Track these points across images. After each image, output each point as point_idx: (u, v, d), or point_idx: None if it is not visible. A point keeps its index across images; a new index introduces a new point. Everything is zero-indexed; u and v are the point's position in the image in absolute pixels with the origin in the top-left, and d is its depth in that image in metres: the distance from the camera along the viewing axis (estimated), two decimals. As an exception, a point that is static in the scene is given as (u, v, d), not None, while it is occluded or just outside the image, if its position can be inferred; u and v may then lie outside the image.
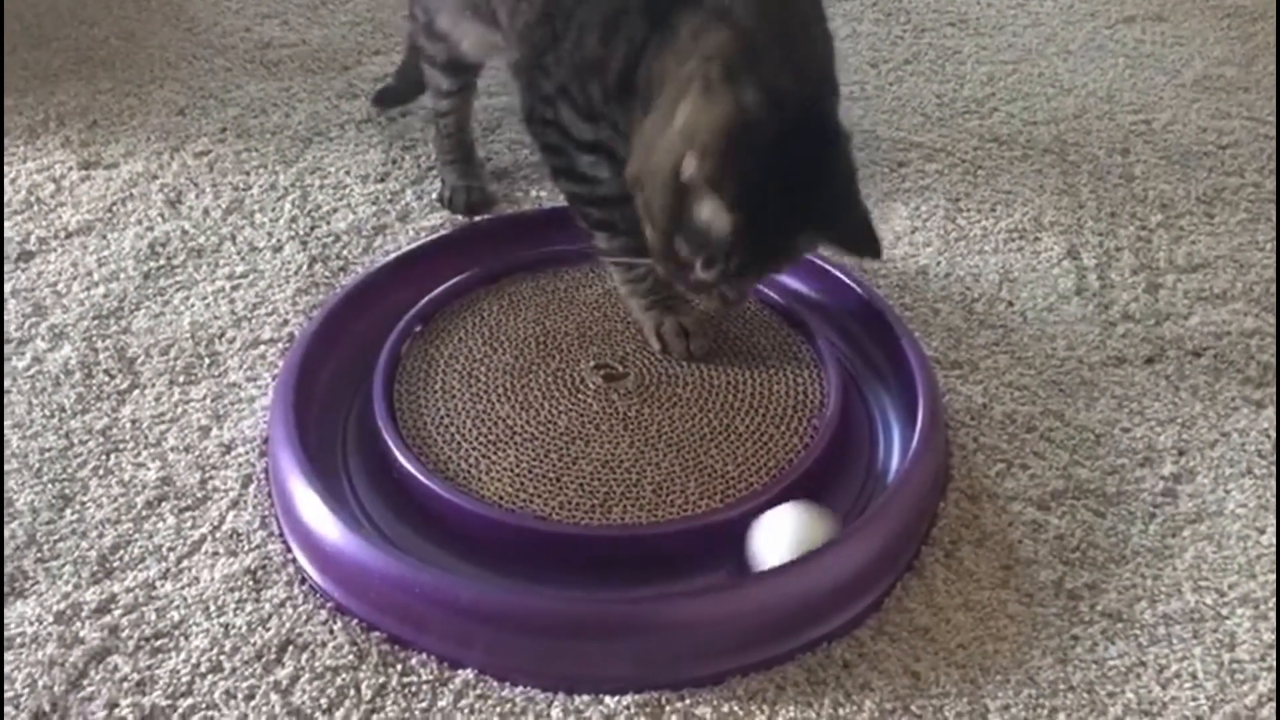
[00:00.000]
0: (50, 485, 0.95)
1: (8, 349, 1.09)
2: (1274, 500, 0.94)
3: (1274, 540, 0.91)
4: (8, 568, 0.88)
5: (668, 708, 0.78)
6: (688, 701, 0.79)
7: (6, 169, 1.35)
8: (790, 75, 0.85)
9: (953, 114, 1.48)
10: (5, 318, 1.13)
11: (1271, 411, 1.03)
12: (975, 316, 1.14)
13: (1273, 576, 0.88)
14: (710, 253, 0.87)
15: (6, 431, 1.00)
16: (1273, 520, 0.92)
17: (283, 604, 0.86)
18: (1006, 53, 1.63)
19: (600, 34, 0.93)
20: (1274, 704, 0.79)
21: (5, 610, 0.85)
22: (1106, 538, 0.91)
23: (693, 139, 0.83)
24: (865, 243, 0.90)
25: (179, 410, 1.03)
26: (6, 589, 0.87)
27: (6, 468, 0.96)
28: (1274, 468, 0.97)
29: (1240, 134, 1.43)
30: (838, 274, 1.12)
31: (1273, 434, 1.00)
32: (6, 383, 1.05)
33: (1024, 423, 1.02)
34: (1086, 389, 1.05)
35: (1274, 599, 0.86)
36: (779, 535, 0.83)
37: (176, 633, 0.83)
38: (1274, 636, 0.83)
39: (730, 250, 0.86)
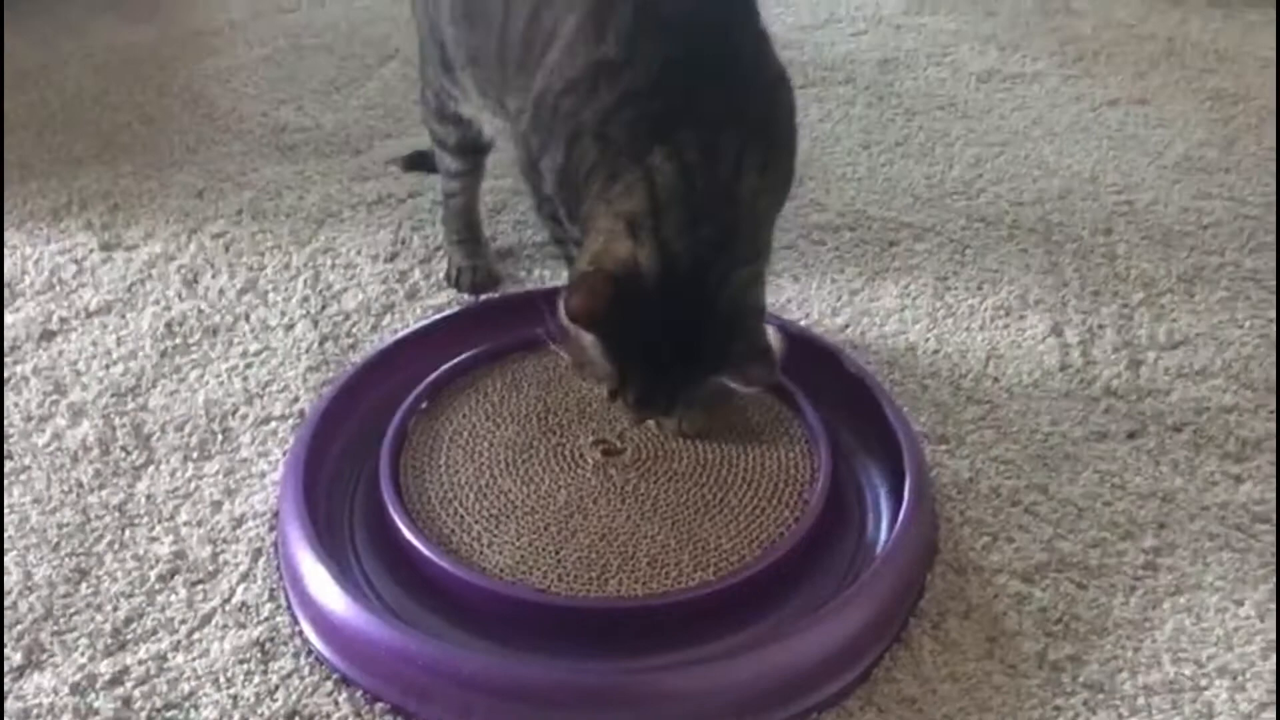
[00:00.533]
0: (67, 559, 0.99)
1: (29, 426, 1.13)
2: (1252, 573, 0.97)
3: (1252, 613, 0.93)
4: (25, 640, 0.91)
5: (661, 777, 0.81)
6: (681, 771, 0.81)
7: (31, 250, 1.41)
8: (688, 239, 0.90)
9: (941, 195, 1.54)
10: (28, 396, 1.17)
11: (1250, 486, 1.06)
12: (963, 392, 1.18)
13: (1250, 648, 0.90)
14: (610, 386, 0.95)
15: (27, 507, 1.04)
16: (1250, 593, 0.95)
17: (290, 675, 0.89)
18: (994, 135, 1.69)
19: (565, 151, 0.98)
20: (1252, 774, 0.81)
21: (24, 682, 0.88)
22: (1089, 610, 0.94)
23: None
24: (761, 376, 0.94)
25: (192, 485, 1.06)
26: (25, 661, 0.90)
27: (26, 543, 1.00)
28: (1253, 541, 1.00)
29: (1220, 214, 1.48)
30: (830, 351, 1.16)
31: (1251, 508, 1.03)
32: (28, 459, 1.09)
33: (1009, 496, 1.05)
34: (1070, 463, 1.08)
35: (1250, 670, 0.88)
36: None
37: (187, 704, 0.86)
38: (1251, 708, 0.86)
39: (621, 388, 0.94)
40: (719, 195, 0.91)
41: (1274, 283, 1.34)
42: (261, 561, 0.98)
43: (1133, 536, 1.00)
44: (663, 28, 0.93)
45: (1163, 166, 1.60)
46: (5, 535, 1.01)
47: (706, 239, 0.90)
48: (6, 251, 1.41)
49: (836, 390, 1.13)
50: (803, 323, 1.27)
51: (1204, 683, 0.87)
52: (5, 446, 1.10)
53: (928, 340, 1.26)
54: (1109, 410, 1.15)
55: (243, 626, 0.93)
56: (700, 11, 0.94)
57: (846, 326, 1.28)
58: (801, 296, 1.33)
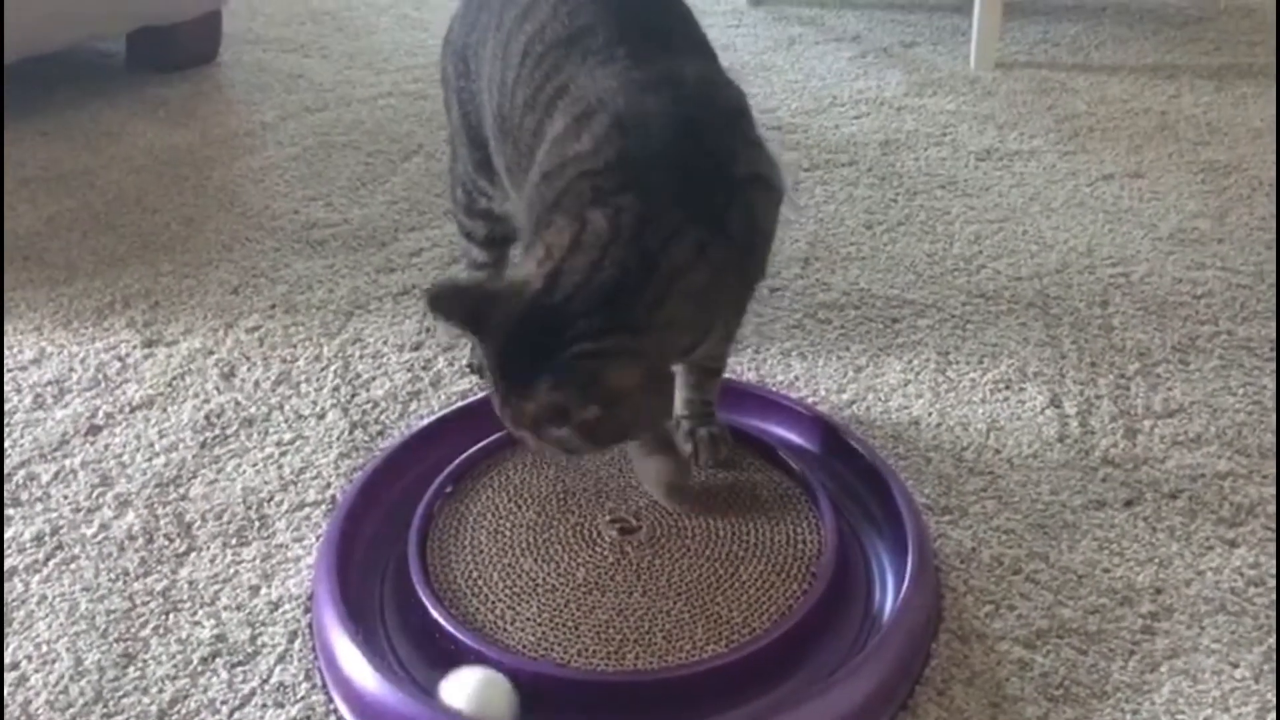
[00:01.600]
0: (115, 644, 1.04)
1: (78, 517, 1.20)
2: (1247, 636, 1.00)
3: (1248, 674, 0.97)
4: (77, 722, 0.97)
5: (679, 844, 0.84)
6: (697, 838, 0.85)
7: (77, 348, 1.49)
8: (581, 278, 0.93)
9: (942, 271, 1.60)
10: (76, 488, 1.24)
11: (1244, 550, 1.09)
12: (965, 464, 1.23)
13: (1246, 709, 0.93)
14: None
15: (76, 594, 1.10)
16: (1246, 655, 0.98)
17: (325, 752, 0.93)
18: (992, 212, 1.76)
19: (533, 229, 1.04)
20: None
21: (75, 762, 0.93)
22: (1088, 674, 0.97)
23: None
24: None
25: (231, 571, 1.12)
26: (76, 742, 0.95)
27: (76, 629, 1.06)
28: (1248, 604, 1.03)
29: (1214, 284, 1.53)
30: (835, 427, 1.21)
31: (1245, 572, 1.07)
32: (77, 549, 1.16)
33: (1010, 565, 1.09)
34: (1069, 531, 1.13)
35: (1246, 730, 0.92)
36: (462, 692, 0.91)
37: (229, 780, 0.91)
38: (1247, 767, 0.89)
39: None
40: (636, 256, 0.93)
41: (1267, 350, 1.38)
42: (298, 643, 1.04)
43: (1131, 602, 1.04)
44: (634, 129, 0.98)
45: (1157, 239, 1.65)
46: (57, 622, 1.07)
47: (598, 285, 0.92)
48: (55, 350, 1.49)
49: (843, 465, 1.19)
50: (809, 399, 1.32)
51: (1201, 744, 0.91)
52: (57, 537, 1.17)
53: (930, 414, 1.31)
54: (1106, 479, 1.19)
55: (281, 706, 0.98)
56: (676, 115, 0.99)
57: (852, 402, 1.33)
58: (808, 374, 1.38)
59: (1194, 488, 1.18)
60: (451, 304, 0.95)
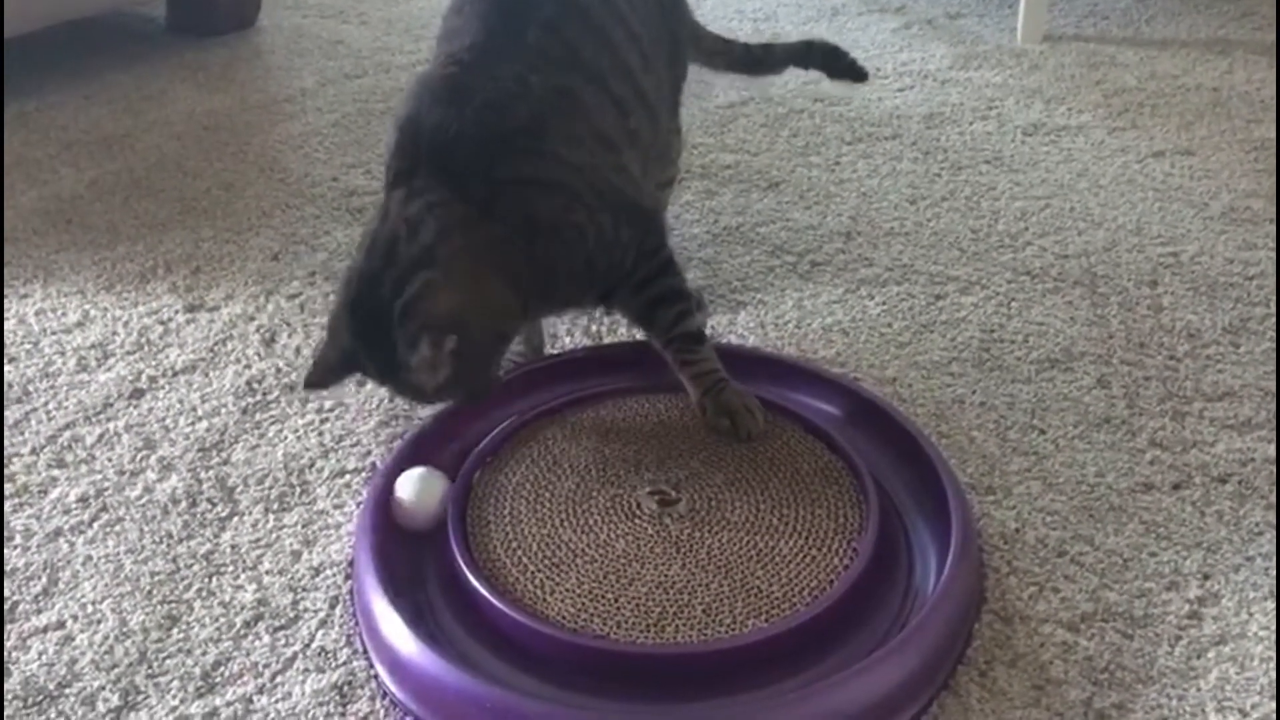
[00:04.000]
0: (159, 606, 1.05)
1: (122, 479, 1.21)
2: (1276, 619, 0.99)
3: (1275, 650, 0.95)
4: (122, 683, 0.98)
5: (718, 818, 0.85)
6: (736, 812, 0.85)
7: (120, 312, 1.50)
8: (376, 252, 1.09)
9: (987, 248, 1.58)
10: (120, 451, 1.25)
11: (1295, 536, 1.08)
12: (1009, 444, 1.21)
13: (1294, 697, 0.92)
14: None
15: (121, 556, 1.11)
16: (1295, 642, 0.97)
17: (366, 717, 0.94)
18: (1039, 188, 1.73)
19: None
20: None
21: (120, 721, 0.95)
22: (1134, 659, 0.96)
23: None
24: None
25: (273, 536, 1.13)
26: (122, 703, 0.96)
27: (121, 591, 1.07)
28: (1277, 588, 1.02)
29: (1266, 265, 1.50)
30: (877, 403, 1.20)
31: (1296, 558, 1.05)
32: (121, 511, 1.17)
33: (1055, 547, 1.08)
34: (1115, 514, 1.11)
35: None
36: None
37: (272, 743, 0.92)
38: (1296, 756, 0.88)
39: None
40: (408, 222, 1.09)
41: (1320, 333, 1.36)
42: (339, 609, 1.04)
43: (1177, 587, 1.03)
44: (412, 130, 1.14)
45: (1208, 218, 1.62)
46: (102, 583, 1.08)
47: (386, 248, 1.08)
48: (98, 313, 1.50)
49: (885, 442, 1.18)
50: (851, 375, 1.31)
51: (1248, 731, 0.90)
52: (102, 499, 1.18)
53: (974, 393, 1.29)
54: (1154, 461, 1.18)
55: (322, 671, 0.98)
56: (446, 125, 1.12)
57: (894, 379, 1.32)
58: (850, 349, 1.37)
59: (1244, 472, 1.16)
60: (323, 377, 1.11)
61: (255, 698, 0.96)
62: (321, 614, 1.04)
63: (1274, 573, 1.04)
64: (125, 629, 1.03)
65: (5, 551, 1.11)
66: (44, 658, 1.00)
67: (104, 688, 0.97)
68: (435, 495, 1.09)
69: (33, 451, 1.25)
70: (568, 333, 1.43)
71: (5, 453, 1.24)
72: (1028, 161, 1.81)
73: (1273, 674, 0.94)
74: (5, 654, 1.00)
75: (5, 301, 1.52)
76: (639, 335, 1.26)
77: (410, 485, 1.09)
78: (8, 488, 1.19)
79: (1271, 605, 1.01)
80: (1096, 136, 1.88)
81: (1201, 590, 1.02)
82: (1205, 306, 1.42)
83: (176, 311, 1.50)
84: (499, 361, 1.17)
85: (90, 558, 1.11)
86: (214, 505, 1.17)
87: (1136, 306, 1.43)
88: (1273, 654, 0.96)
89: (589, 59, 1.18)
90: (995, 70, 2.16)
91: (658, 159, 1.35)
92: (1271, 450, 1.18)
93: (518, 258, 1.11)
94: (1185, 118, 1.93)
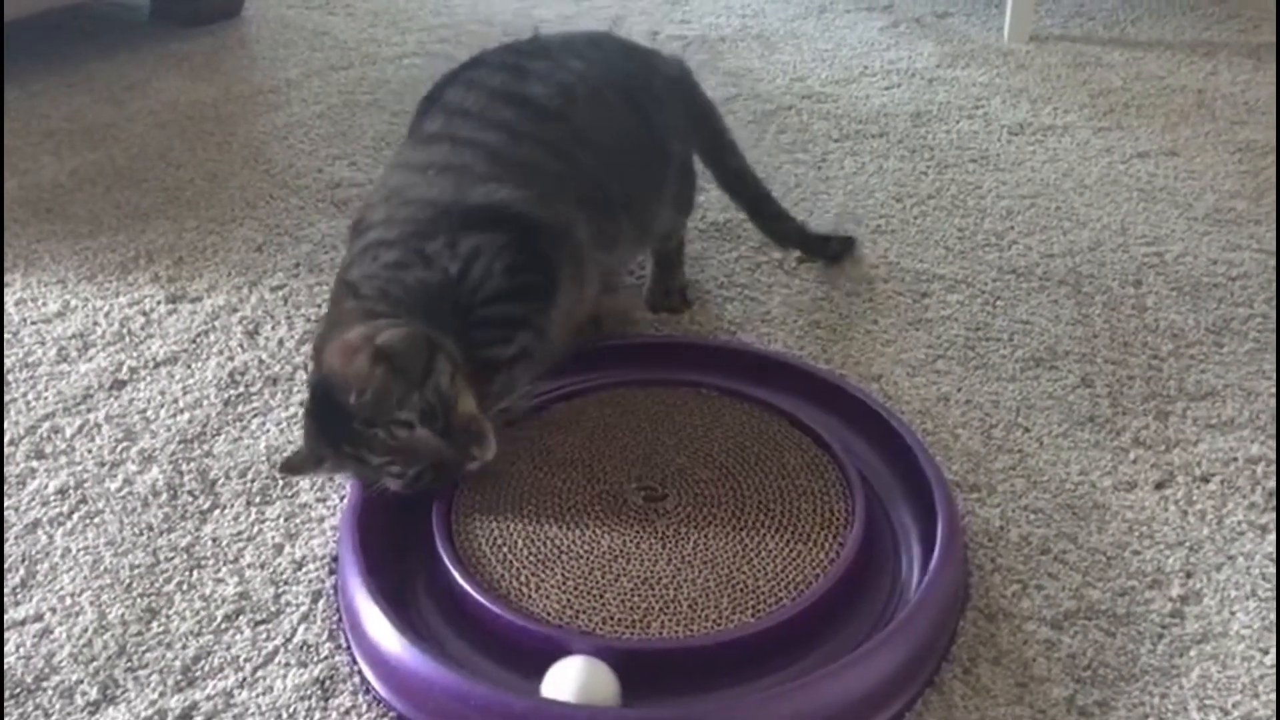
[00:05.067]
0: (139, 599, 1.04)
1: (102, 471, 1.20)
2: (1276, 622, 0.99)
3: (1276, 661, 0.96)
4: (101, 676, 0.97)
5: (702, 814, 0.84)
6: (720, 808, 0.85)
7: (101, 302, 1.48)
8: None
9: (973, 246, 1.58)
10: (100, 442, 1.24)
11: (1275, 536, 1.08)
12: (993, 441, 1.21)
13: (1275, 695, 0.93)
14: None
15: (100, 548, 1.10)
16: (1275, 641, 0.97)
17: (348, 712, 0.93)
18: (1025, 187, 1.73)
19: None
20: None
21: (99, 717, 0.93)
22: (1116, 657, 0.96)
23: None
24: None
25: (255, 529, 1.12)
26: (100, 696, 0.95)
27: (100, 583, 1.06)
28: (1277, 591, 1.02)
29: (1249, 266, 1.51)
30: (864, 400, 1.20)
31: (1277, 557, 1.06)
32: (101, 503, 1.16)
33: (1039, 544, 1.08)
34: (1099, 512, 1.12)
35: (1276, 718, 0.91)
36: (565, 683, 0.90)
37: (252, 738, 0.91)
38: (1276, 754, 0.88)
39: None
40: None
41: (1302, 334, 1.36)
42: (321, 603, 1.03)
43: (1160, 585, 1.03)
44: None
45: (1192, 218, 1.63)
46: (81, 576, 1.07)
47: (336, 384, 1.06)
48: (79, 303, 1.48)
49: (871, 439, 1.18)
50: (838, 372, 1.31)
51: (1230, 729, 0.90)
52: (81, 491, 1.17)
53: (959, 390, 1.29)
54: (1137, 460, 1.18)
55: (304, 665, 0.98)
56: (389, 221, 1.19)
57: (879, 376, 1.32)
58: (836, 346, 1.37)
59: (1226, 472, 1.16)
60: (300, 466, 1.09)
61: (235, 692, 0.95)
62: (304, 608, 1.03)
63: (1256, 571, 1.04)
64: (104, 622, 1.02)
65: (-17, 543, 1.10)
66: (21, 650, 0.99)
67: (82, 681, 0.96)
68: (603, 694, 0.90)
69: (11, 442, 1.24)
70: (553, 327, 1.42)
71: (-17, 443, 1.23)
72: (1014, 160, 1.82)
73: (1254, 672, 0.95)
74: (-18, 647, 0.99)
75: (-16, 291, 1.50)
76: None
77: (574, 683, 0.90)
78: (-14, 479, 1.18)
79: (1253, 604, 1.01)
80: (1082, 136, 1.89)
81: (1184, 589, 1.03)
82: (1189, 306, 1.43)
83: (158, 302, 1.48)
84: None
85: (69, 550, 1.10)
86: (195, 498, 1.16)
87: (1121, 306, 1.44)
88: (1254, 653, 0.96)
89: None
90: (982, 69, 2.17)
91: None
92: (1254, 449, 1.19)
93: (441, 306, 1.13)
94: (1170, 119, 1.94)
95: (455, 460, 1.05)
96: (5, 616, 1.03)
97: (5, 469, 1.20)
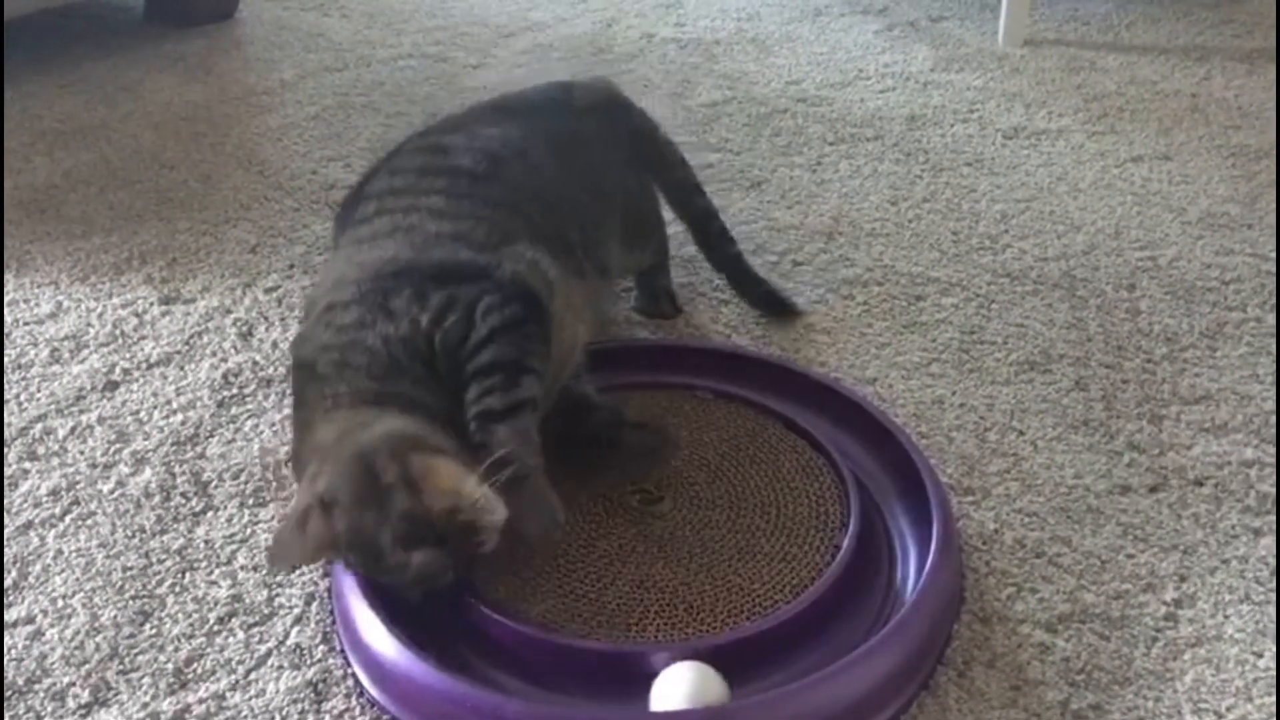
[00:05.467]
0: (131, 601, 1.04)
1: (95, 472, 1.19)
2: (1273, 626, 0.99)
3: (1271, 665, 0.96)
4: (93, 679, 0.96)
5: (696, 818, 0.84)
6: (715, 812, 0.84)
7: (94, 304, 1.48)
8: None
9: (968, 250, 1.58)
10: (93, 444, 1.23)
11: (1270, 540, 1.08)
12: (988, 445, 1.22)
13: (1269, 699, 0.93)
14: None
15: (93, 550, 1.09)
16: (1269, 645, 0.98)
17: (341, 715, 0.93)
18: (1019, 191, 1.73)
19: None
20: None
21: (91, 718, 0.93)
22: (1111, 660, 0.96)
23: None
24: None
25: (248, 531, 1.12)
26: (92, 699, 0.95)
27: (92, 585, 1.06)
28: (1272, 594, 1.02)
29: (1243, 270, 1.51)
30: (859, 403, 1.20)
31: (1270, 561, 1.06)
32: (93, 505, 1.15)
33: (1033, 548, 1.08)
34: (1093, 516, 1.12)
35: (1270, 721, 0.91)
36: (676, 690, 0.88)
37: (245, 740, 0.91)
38: (1270, 757, 0.88)
39: None
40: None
41: (1295, 338, 1.37)
42: (314, 605, 1.03)
43: (1154, 589, 1.03)
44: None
45: (1186, 222, 1.63)
46: (73, 577, 1.06)
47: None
48: (72, 304, 1.48)
49: (866, 442, 1.18)
50: (833, 375, 1.31)
51: (1224, 733, 0.90)
52: (74, 493, 1.17)
53: (954, 394, 1.29)
54: (1131, 464, 1.18)
55: (297, 668, 0.97)
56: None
57: (874, 379, 1.32)
58: (831, 349, 1.37)
59: (1220, 475, 1.16)
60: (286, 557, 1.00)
61: (228, 694, 0.95)
62: (297, 610, 1.03)
63: (1250, 575, 1.05)
64: (96, 624, 1.01)
65: (-26, 545, 1.10)
66: (13, 653, 0.99)
67: (74, 684, 0.96)
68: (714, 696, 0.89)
69: (4, 443, 1.23)
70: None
71: (-25, 445, 1.23)
72: (1008, 164, 1.82)
73: (1249, 676, 0.95)
74: (-27, 649, 0.99)
75: (-23, 291, 1.50)
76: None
77: (684, 689, 0.88)
78: (-23, 480, 1.18)
79: (1247, 608, 1.01)
80: (1076, 140, 1.89)
81: (1178, 592, 1.03)
82: (1182, 310, 1.43)
83: (152, 303, 1.48)
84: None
85: (61, 551, 1.09)
86: (188, 499, 1.16)
87: (1115, 310, 1.44)
88: (1249, 656, 0.97)
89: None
90: (976, 73, 2.17)
91: None
92: (1248, 453, 1.19)
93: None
94: (1164, 123, 1.95)
95: (467, 555, 0.94)
96: (-3, 619, 1.02)
97: (-3, 470, 1.19)
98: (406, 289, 1.06)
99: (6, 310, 1.47)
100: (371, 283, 1.08)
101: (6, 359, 1.37)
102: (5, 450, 1.22)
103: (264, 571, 1.07)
